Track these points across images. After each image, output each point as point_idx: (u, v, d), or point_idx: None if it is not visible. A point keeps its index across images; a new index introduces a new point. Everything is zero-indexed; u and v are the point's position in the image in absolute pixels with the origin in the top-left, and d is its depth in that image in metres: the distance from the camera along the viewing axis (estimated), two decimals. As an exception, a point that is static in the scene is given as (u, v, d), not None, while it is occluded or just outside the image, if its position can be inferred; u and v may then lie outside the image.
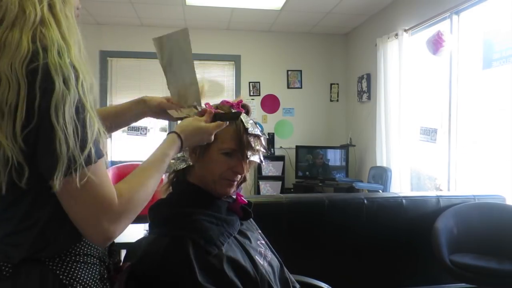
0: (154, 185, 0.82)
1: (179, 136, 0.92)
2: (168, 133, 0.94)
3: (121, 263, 0.90)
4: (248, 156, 1.03)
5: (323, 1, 4.22)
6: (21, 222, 0.71)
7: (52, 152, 0.64)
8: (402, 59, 3.82)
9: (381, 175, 4.00)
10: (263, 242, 1.14)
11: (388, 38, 4.05)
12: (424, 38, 3.37)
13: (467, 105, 3.28)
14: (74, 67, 0.68)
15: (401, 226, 2.42)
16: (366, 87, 4.77)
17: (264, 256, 1.07)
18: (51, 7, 0.71)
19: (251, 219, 1.16)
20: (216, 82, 5.32)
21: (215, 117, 1.00)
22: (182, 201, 1.02)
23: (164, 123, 5.42)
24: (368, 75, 4.72)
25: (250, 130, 1.03)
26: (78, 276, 0.74)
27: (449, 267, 2.23)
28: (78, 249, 0.75)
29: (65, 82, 0.65)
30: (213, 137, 0.97)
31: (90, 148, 0.67)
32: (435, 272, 2.42)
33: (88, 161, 0.67)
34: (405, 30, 3.82)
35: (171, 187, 1.08)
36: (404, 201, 2.43)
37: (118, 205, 0.71)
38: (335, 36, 5.47)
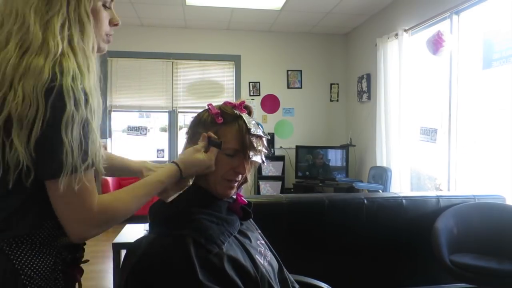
0: (138, 204, 0.89)
1: (179, 167, 0.97)
2: (170, 162, 1.00)
3: (82, 259, 0.94)
4: (250, 156, 1.03)
5: (323, 1, 4.22)
6: None
7: (58, 161, 0.76)
8: (402, 59, 3.82)
9: (381, 175, 4.01)
10: (262, 242, 1.14)
11: (388, 38, 4.05)
12: (424, 38, 3.37)
13: (467, 105, 3.28)
14: (85, 92, 0.79)
15: (401, 226, 2.41)
16: (366, 87, 4.77)
17: (264, 255, 1.07)
18: (70, 41, 0.82)
19: (251, 219, 1.17)
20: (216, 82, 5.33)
21: (209, 141, 1.01)
22: (182, 201, 1.02)
23: (164, 123, 5.43)
24: (368, 75, 4.73)
25: (253, 130, 1.03)
26: (31, 263, 0.81)
27: (449, 267, 2.23)
28: (34, 238, 0.83)
29: (76, 104, 0.77)
30: (213, 165, 1.00)
31: (90, 160, 0.80)
32: (435, 272, 2.42)
33: (85, 171, 0.79)
34: (405, 30, 3.82)
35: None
36: (404, 201, 2.43)
37: (96, 212, 0.82)
38: (335, 36, 5.47)
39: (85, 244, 0.95)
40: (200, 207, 0.99)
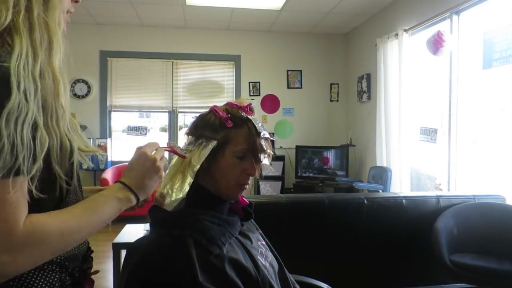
0: (76, 225, 0.69)
1: (120, 181, 0.82)
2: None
3: (90, 270, 0.85)
4: (262, 159, 1.04)
5: (323, 1, 4.22)
6: None
7: None
8: (402, 59, 3.82)
9: (381, 175, 4.00)
10: (263, 242, 1.14)
11: (388, 38, 4.05)
12: (424, 38, 3.37)
13: (467, 105, 3.28)
14: (34, 79, 0.64)
15: (401, 226, 2.41)
16: (366, 87, 4.77)
17: (265, 256, 1.07)
18: (28, 13, 0.66)
19: (252, 219, 1.16)
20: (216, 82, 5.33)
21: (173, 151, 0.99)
22: (184, 201, 1.02)
23: (164, 123, 5.43)
24: (368, 75, 4.73)
25: (262, 133, 1.04)
26: (31, 282, 0.69)
27: (449, 267, 2.23)
28: None
29: (25, 92, 0.62)
30: (160, 164, 0.87)
31: (18, 162, 0.61)
32: (435, 272, 2.42)
33: (27, 175, 0.62)
34: (405, 30, 3.82)
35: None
36: (404, 201, 2.43)
37: (19, 233, 0.61)
38: (335, 36, 5.47)
39: (92, 252, 0.86)
40: (202, 209, 0.99)
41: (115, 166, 4.87)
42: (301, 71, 5.42)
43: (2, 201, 0.60)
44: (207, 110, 1.07)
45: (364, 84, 4.81)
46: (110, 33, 4.96)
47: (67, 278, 0.76)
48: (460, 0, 3.15)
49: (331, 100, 5.51)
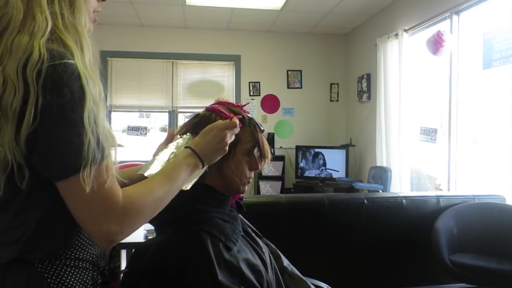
0: (163, 193, 0.78)
1: (189, 147, 0.89)
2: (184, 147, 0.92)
3: (119, 269, 0.87)
4: (266, 155, 1.10)
5: (323, 1, 4.22)
6: (11, 222, 0.70)
7: (74, 155, 0.65)
8: (402, 59, 3.82)
9: (381, 175, 4.00)
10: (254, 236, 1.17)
11: (388, 38, 4.05)
12: (424, 38, 3.37)
13: (467, 105, 3.28)
14: (90, 76, 0.69)
15: (401, 226, 2.42)
16: (366, 87, 4.77)
17: (265, 251, 1.10)
18: (61, 16, 0.70)
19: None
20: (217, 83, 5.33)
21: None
22: (191, 200, 1.01)
23: (164, 123, 5.43)
24: (368, 75, 4.72)
25: (263, 129, 1.11)
26: (67, 280, 0.72)
27: (449, 267, 2.23)
28: (69, 253, 0.74)
29: (88, 84, 0.67)
30: (228, 136, 0.91)
31: (107, 149, 0.71)
32: (435, 272, 2.42)
33: (104, 161, 0.69)
34: (405, 30, 3.82)
35: None
36: (404, 201, 2.43)
37: (122, 206, 0.70)
38: (335, 36, 5.47)
39: (117, 251, 0.88)
40: (213, 207, 1.00)
41: (115, 165, 4.87)
42: (301, 71, 5.42)
43: (101, 184, 0.68)
44: (204, 110, 1.07)
45: (364, 84, 4.81)
46: (110, 33, 4.95)
47: (98, 276, 0.79)
48: (460, 0, 3.15)
49: (331, 100, 5.51)
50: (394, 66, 3.96)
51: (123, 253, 2.20)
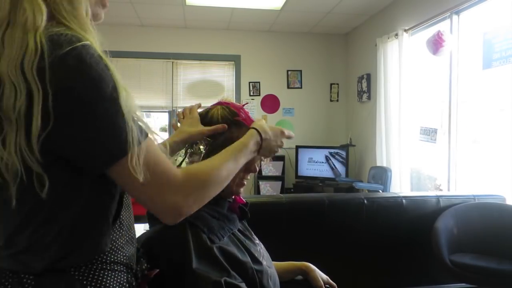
0: (228, 168, 0.82)
1: (256, 130, 0.94)
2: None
3: (150, 270, 0.85)
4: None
5: (323, 1, 4.22)
6: (41, 229, 0.65)
7: (121, 138, 0.64)
8: (402, 59, 3.82)
9: (381, 175, 4.00)
10: (258, 242, 1.15)
11: (388, 38, 4.05)
12: (424, 38, 3.37)
13: (467, 105, 3.28)
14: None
15: (401, 226, 2.41)
16: (366, 87, 4.77)
17: (267, 258, 1.09)
18: (56, 5, 0.65)
19: (246, 223, 1.18)
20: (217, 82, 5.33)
21: None
22: None
23: (164, 122, 5.43)
24: (368, 75, 4.72)
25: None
26: (107, 285, 0.70)
27: (449, 267, 2.23)
28: (104, 257, 0.71)
29: (108, 67, 0.69)
30: (282, 145, 1.05)
31: (143, 127, 0.71)
32: (435, 272, 2.42)
33: (145, 139, 0.69)
34: (405, 30, 3.82)
35: None
36: (404, 201, 2.43)
37: (182, 178, 0.71)
38: (335, 36, 5.47)
39: (142, 252, 0.86)
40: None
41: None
42: (301, 71, 5.42)
43: (152, 159, 0.67)
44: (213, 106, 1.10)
45: (364, 84, 4.81)
46: (110, 33, 4.94)
47: (132, 278, 0.77)
48: (460, 0, 3.15)
49: (331, 100, 5.51)
50: (394, 66, 3.96)
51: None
